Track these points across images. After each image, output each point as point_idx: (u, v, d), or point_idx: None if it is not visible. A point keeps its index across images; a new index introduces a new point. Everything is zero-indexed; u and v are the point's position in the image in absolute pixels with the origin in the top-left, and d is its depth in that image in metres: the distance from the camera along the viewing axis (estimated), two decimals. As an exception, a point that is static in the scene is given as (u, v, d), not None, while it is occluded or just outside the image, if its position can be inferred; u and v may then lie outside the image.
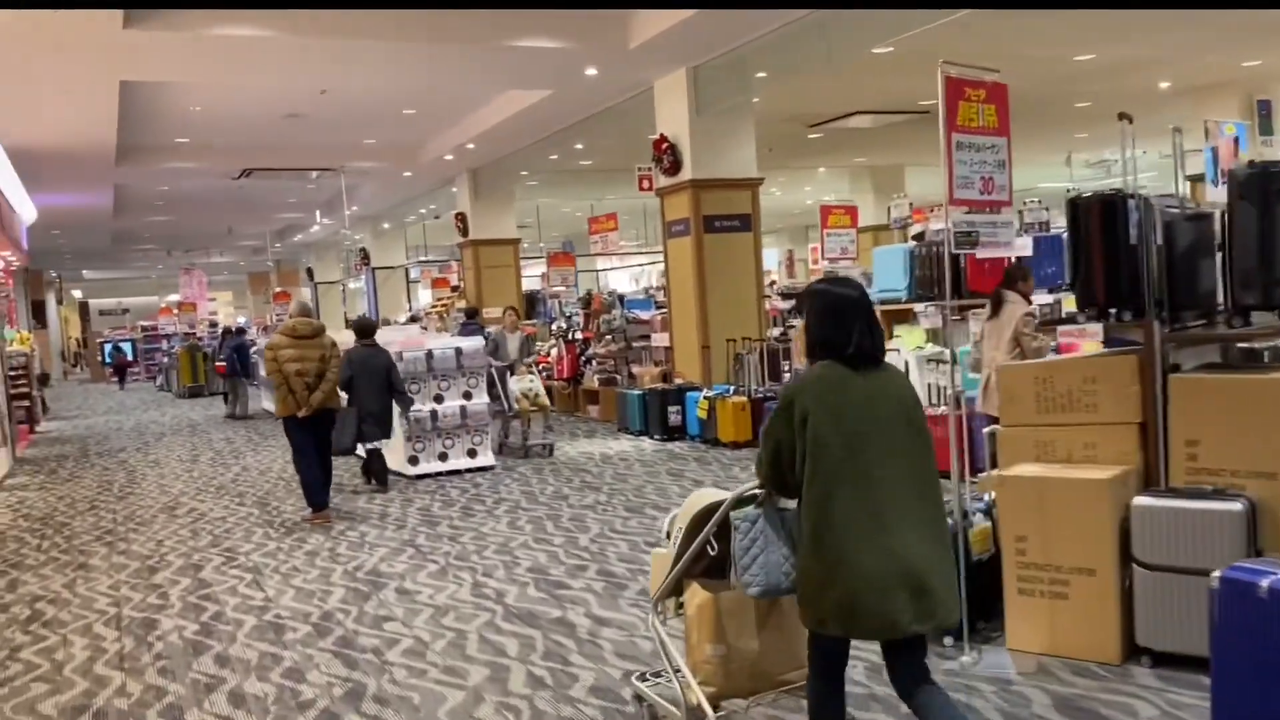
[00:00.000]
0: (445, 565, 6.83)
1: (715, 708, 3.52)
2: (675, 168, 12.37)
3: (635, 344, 15.02)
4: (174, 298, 36.53)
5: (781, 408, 3.21)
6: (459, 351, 10.80)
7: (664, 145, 12.37)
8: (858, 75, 13.88)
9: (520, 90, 13.43)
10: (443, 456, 10.70)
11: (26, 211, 20.46)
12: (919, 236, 10.55)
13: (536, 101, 13.52)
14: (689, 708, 3.52)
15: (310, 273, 35.56)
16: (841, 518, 3.07)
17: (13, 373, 17.83)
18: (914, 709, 3.18)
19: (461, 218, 19.99)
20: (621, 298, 16.76)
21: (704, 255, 12.36)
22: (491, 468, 10.80)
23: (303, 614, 5.90)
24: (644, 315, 15.14)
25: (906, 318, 10.32)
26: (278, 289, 34.78)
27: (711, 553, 3.54)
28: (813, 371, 3.23)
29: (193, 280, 35.89)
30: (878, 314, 3.44)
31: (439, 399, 10.69)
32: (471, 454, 10.83)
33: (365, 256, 28.48)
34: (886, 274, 10.38)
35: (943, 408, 8.93)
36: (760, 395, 11.26)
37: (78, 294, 50.61)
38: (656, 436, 12.24)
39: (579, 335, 16.03)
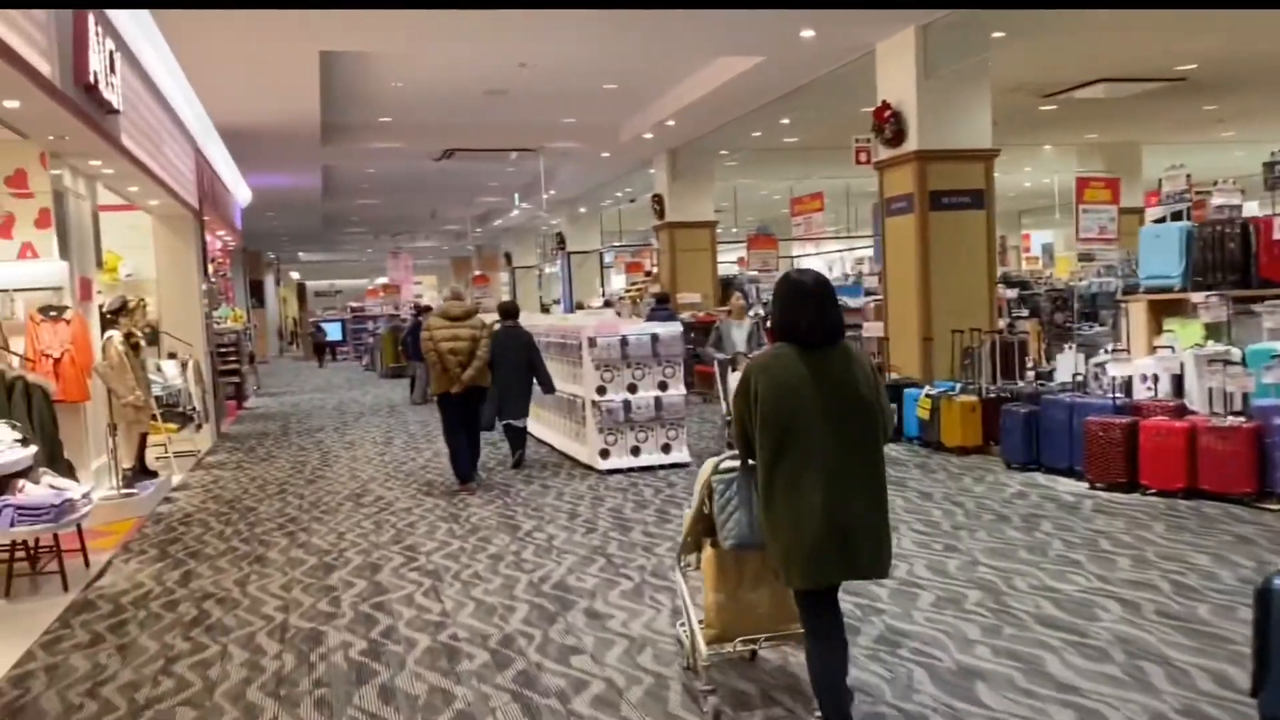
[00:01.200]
0: (640, 583, 5.97)
1: (722, 647, 4.17)
2: (898, 138, 11.12)
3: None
4: (382, 280, 37.64)
5: (740, 383, 3.69)
6: (655, 338, 9.97)
7: (886, 113, 11.13)
8: (1104, 36, 12.22)
9: (730, 58, 12.46)
10: (635, 451, 9.91)
11: (242, 193, 21.13)
12: (1177, 216, 8.97)
13: (745, 70, 12.52)
14: (689, 647, 4.27)
15: (509, 257, 35.89)
16: (783, 480, 3.56)
17: (223, 349, 18.36)
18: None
19: (658, 200, 19.24)
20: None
21: (929, 235, 11.06)
22: (687, 465, 9.93)
23: (481, 636, 5.16)
24: (852, 303, 13.94)
25: (1181, 309, 8.80)
26: (477, 273, 35.21)
27: (705, 512, 4.08)
28: (769, 351, 3.77)
29: (399, 263, 36.95)
30: (833, 300, 3.74)
31: (633, 389, 9.90)
32: (666, 449, 10.00)
33: (561, 241, 28.30)
34: (1156, 258, 8.89)
35: (1229, 419, 7.46)
36: (993, 394, 9.92)
37: (296, 275, 53.28)
38: (869, 437, 11.06)
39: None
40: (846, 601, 5.36)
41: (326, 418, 16.25)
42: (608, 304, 19.83)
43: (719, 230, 20.38)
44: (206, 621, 5.60)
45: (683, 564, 4.40)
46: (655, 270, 20.77)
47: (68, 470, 8.18)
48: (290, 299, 50.85)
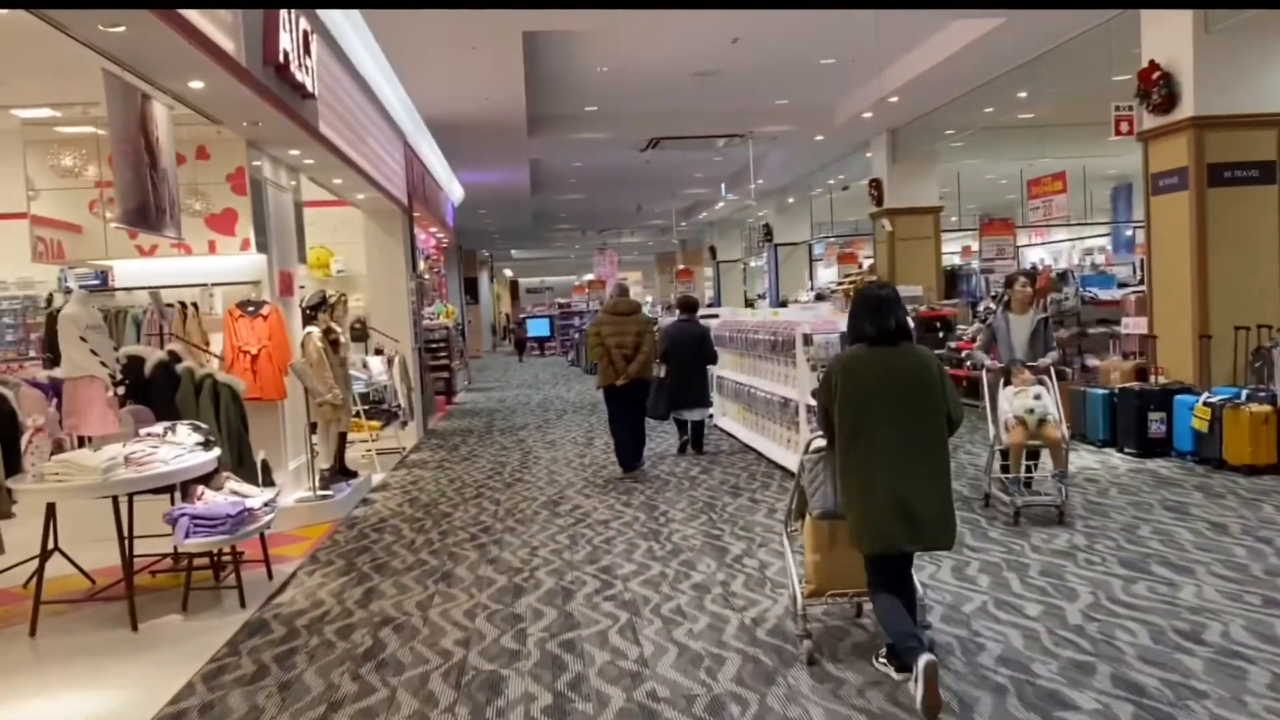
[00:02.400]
0: (873, 632, 4.98)
1: (816, 599, 4.77)
2: (1169, 103, 9.55)
3: (1091, 330, 12.26)
4: (590, 277, 37.71)
5: (824, 378, 4.43)
6: (882, 336, 8.86)
7: (1155, 74, 9.57)
8: None
9: (967, 20, 11.14)
10: (858, 462, 8.85)
11: (455, 191, 21.27)
12: None
13: (983, 35, 11.18)
14: (800, 600, 4.73)
15: (713, 251, 35.14)
16: (857, 462, 4.24)
17: (433, 345, 18.41)
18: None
19: (876, 184, 17.95)
20: (1066, 274, 13.89)
21: (1206, 216, 9.44)
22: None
23: (684, 695, 4.31)
24: (1103, 294, 12.30)
25: None
26: (680, 267, 34.66)
27: (800, 486, 4.71)
28: (846, 351, 4.51)
29: (605, 260, 36.94)
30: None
31: (856, 393, 8.84)
32: (893, 461, 8.89)
33: (768, 232, 27.26)
34: None
35: None
36: (1294, 405, 8.29)
37: (509, 273, 54.59)
38: (1129, 450, 9.56)
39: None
40: (1150, 677, 4.18)
41: (530, 414, 15.92)
42: (820, 297, 18.66)
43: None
44: (380, 655, 5.00)
45: (790, 529, 5.05)
46: (872, 261, 19.43)
47: (263, 471, 7.95)
48: (504, 295, 52.08)
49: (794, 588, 4.84)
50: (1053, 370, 7.49)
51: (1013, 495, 7.11)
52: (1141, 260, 12.79)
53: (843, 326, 8.83)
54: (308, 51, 7.77)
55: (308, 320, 9.12)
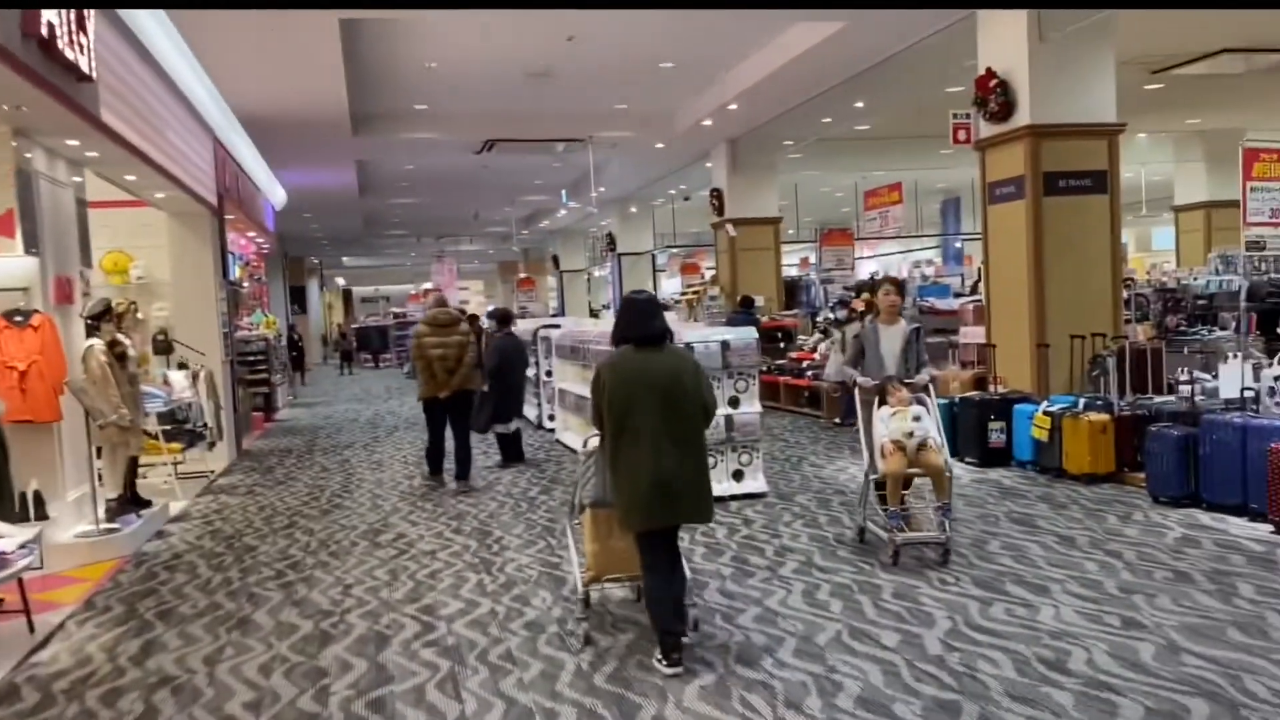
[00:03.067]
0: (721, 673, 4.49)
1: (595, 584, 5.22)
2: (1006, 111, 9.55)
3: (929, 340, 12.25)
4: (427, 285, 36.53)
5: (594, 377, 4.88)
6: (726, 345, 8.48)
7: (992, 82, 9.56)
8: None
9: (805, 25, 10.94)
10: (703, 478, 8.43)
11: (276, 193, 19.99)
12: None
13: (822, 41, 11.00)
14: (581, 585, 5.17)
15: (556, 260, 34.58)
16: (624, 450, 4.68)
17: (250, 358, 17.17)
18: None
19: (717, 194, 17.78)
20: (901, 284, 13.92)
21: (1042, 225, 9.47)
22: (763, 495, 8.45)
23: (509, 763, 3.72)
24: (939, 304, 12.35)
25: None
26: (522, 275, 33.99)
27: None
28: (614, 353, 4.91)
29: (443, 268, 35.89)
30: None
31: (700, 405, 8.42)
32: (738, 476, 8.52)
33: (611, 241, 26.90)
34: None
35: None
36: (1128, 412, 8.31)
37: (341, 281, 52.53)
38: (970, 461, 9.49)
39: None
40: (1020, 717, 3.82)
41: (358, 432, 14.95)
42: (665, 308, 18.31)
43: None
44: (146, 730, 4.21)
45: (573, 522, 5.57)
46: (714, 272, 19.25)
47: (34, 504, 6.92)
48: (337, 304, 50.01)
49: (575, 575, 5.43)
50: (930, 388, 6.75)
51: (891, 531, 6.19)
52: (978, 269, 12.92)
53: (689, 336, 8.45)
54: (82, 29, 6.80)
55: (91, 332, 8.05)
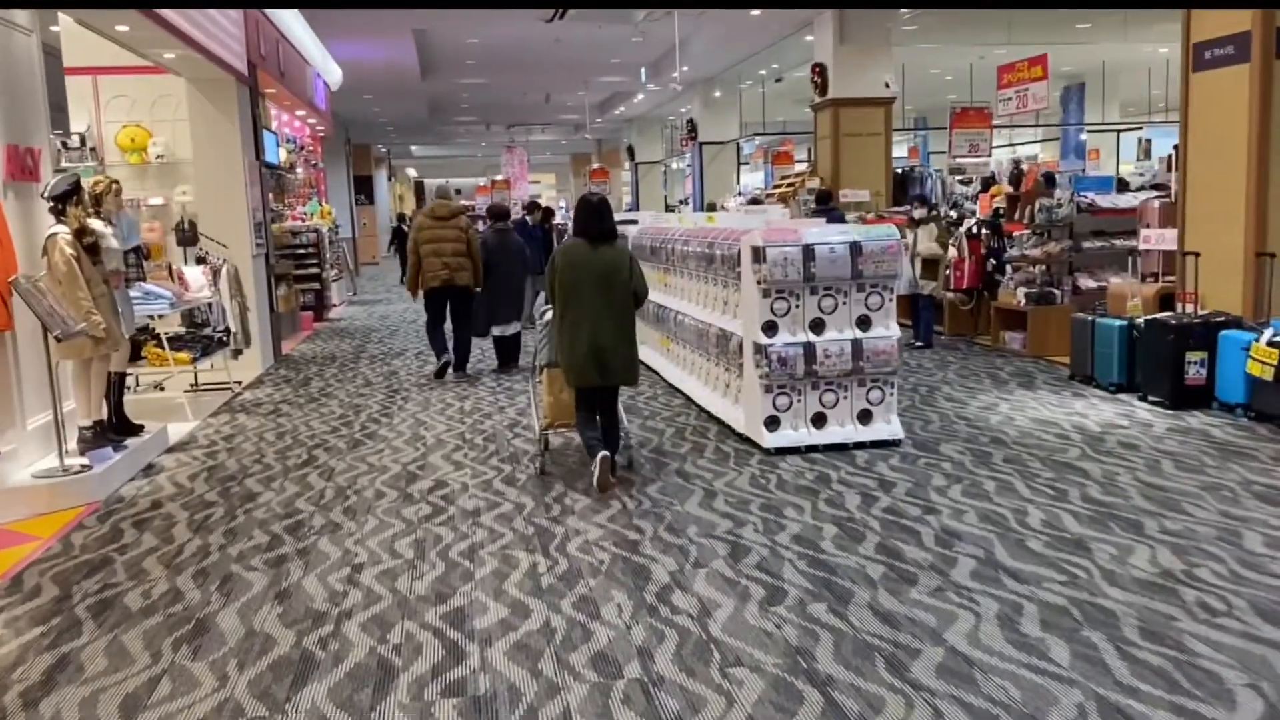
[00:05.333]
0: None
1: (551, 429, 6.37)
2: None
3: (1085, 244, 10.15)
4: (499, 177, 34.65)
5: (549, 261, 5.97)
6: (857, 249, 6.54)
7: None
8: None
9: None
10: (819, 420, 6.62)
11: (331, 71, 18.18)
12: None
13: None
14: (540, 429, 6.33)
15: (631, 151, 32.38)
16: (568, 323, 5.74)
17: (300, 250, 15.63)
18: (601, 425, 5.93)
19: (820, 70, 15.44)
20: (1052, 175, 11.69)
21: (1271, 98, 7.25)
22: (898, 442, 6.63)
23: None
24: (1103, 201, 10.17)
25: None
26: (595, 166, 31.94)
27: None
28: (567, 241, 5.98)
29: (514, 158, 33.99)
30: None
31: (817, 326, 6.56)
32: (864, 418, 6.68)
33: (692, 129, 24.62)
34: None
35: None
36: (1395, 348, 6.24)
37: (412, 172, 50.93)
38: (1155, 400, 7.52)
39: (978, 228, 11.11)
40: None
41: (413, 337, 13.36)
42: (754, 201, 16.24)
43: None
44: None
45: (536, 379, 6.66)
46: (812, 162, 17.07)
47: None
48: (408, 197, 48.43)
49: (535, 421, 6.60)
50: None
51: None
52: (1167, 159, 10.65)
53: (808, 237, 6.53)
54: None
55: (59, 218, 6.40)
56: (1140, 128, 22.10)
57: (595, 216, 5.82)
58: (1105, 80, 21.64)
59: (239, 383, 9.87)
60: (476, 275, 9.55)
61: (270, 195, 14.51)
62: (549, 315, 6.03)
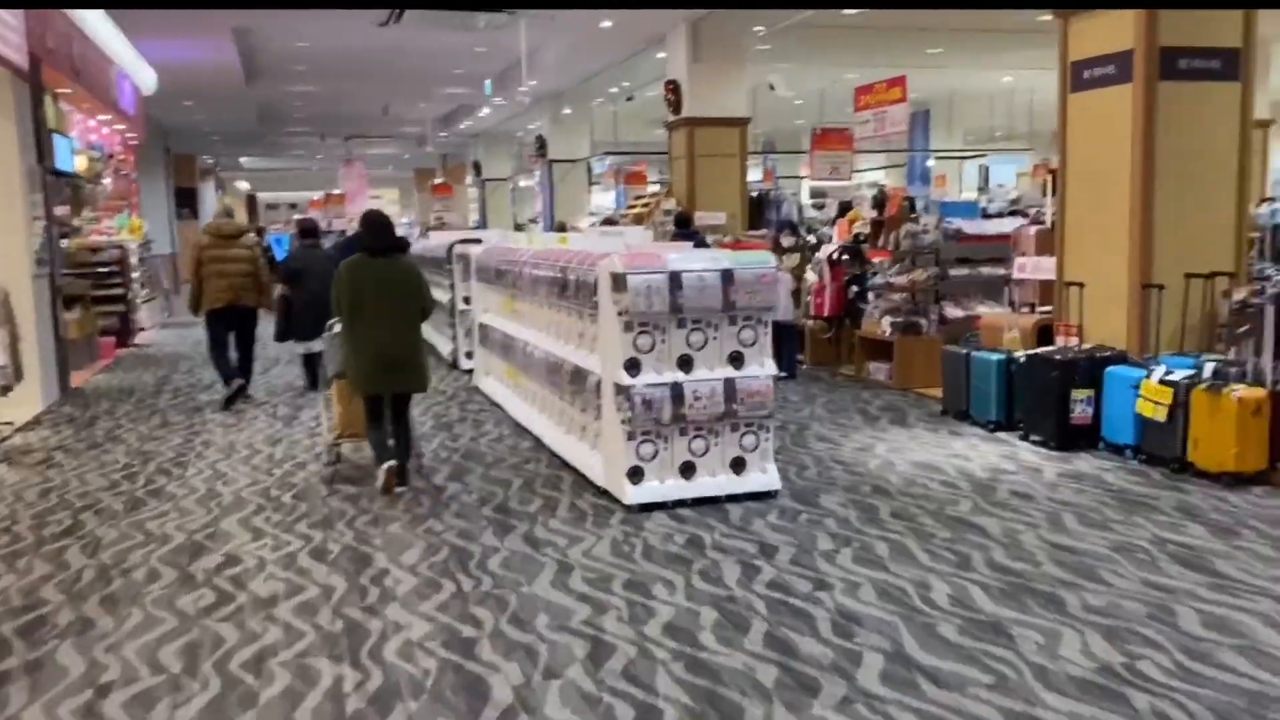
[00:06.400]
0: None
1: (341, 439, 6.63)
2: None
3: (954, 272, 9.75)
4: (336, 191, 32.87)
5: (335, 276, 6.13)
6: (728, 277, 5.76)
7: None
8: None
9: None
10: (687, 469, 5.79)
11: (143, 74, 16.48)
12: None
13: None
14: (328, 440, 6.70)
15: (477, 167, 31.24)
16: (356, 334, 6.03)
17: (102, 269, 13.99)
18: (393, 433, 6.17)
19: (673, 88, 14.79)
20: (911, 201, 11.33)
21: (1154, 121, 6.88)
22: (774, 494, 5.87)
23: None
24: (970, 228, 9.79)
25: None
26: (438, 180, 30.71)
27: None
28: (352, 257, 6.19)
29: (353, 172, 32.47)
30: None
31: (685, 363, 5.75)
32: (737, 467, 5.89)
33: (542, 146, 23.72)
34: None
35: None
36: (1291, 387, 5.88)
37: (245, 185, 48.31)
38: (1038, 440, 7.02)
39: (839, 254, 10.61)
40: None
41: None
42: (608, 222, 15.44)
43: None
44: None
45: (324, 391, 7.18)
46: (667, 181, 16.42)
47: None
48: (239, 212, 45.74)
49: (325, 431, 7.02)
50: None
51: None
52: (1043, 184, 10.37)
53: (674, 263, 5.71)
54: None
55: None
56: (985, 155, 22.42)
57: (381, 231, 6.18)
58: (952, 108, 21.88)
59: (9, 424, 8.40)
60: (262, 296, 9.28)
61: (65, 207, 12.91)
62: (337, 328, 6.29)
